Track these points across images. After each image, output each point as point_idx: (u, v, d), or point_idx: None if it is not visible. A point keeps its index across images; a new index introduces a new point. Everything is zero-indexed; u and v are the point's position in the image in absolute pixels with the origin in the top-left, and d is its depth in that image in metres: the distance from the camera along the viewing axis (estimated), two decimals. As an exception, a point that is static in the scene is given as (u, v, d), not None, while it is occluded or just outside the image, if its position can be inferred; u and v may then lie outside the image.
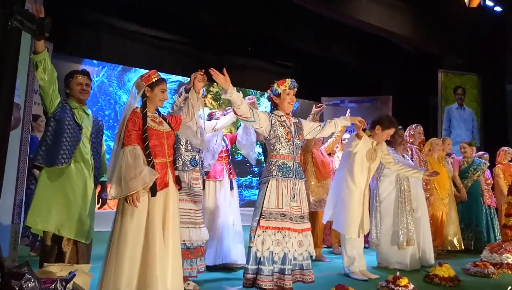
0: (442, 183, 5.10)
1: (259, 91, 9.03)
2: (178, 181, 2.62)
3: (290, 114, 3.15)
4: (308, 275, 2.98)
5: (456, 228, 5.27)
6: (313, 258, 3.16)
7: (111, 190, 2.36)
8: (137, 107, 2.56)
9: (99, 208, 2.99)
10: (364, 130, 3.41)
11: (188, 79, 2.93)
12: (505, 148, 6.15)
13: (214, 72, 2.71)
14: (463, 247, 5.23)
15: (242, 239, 4.06)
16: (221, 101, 8.23)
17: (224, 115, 3.90)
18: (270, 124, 2.99)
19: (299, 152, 3.12)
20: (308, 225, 3.04)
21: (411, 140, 4.96)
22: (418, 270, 4.06)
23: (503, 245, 4.46)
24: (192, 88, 2.80)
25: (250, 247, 2.87)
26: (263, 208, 2.87)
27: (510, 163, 6.10)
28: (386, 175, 4.25)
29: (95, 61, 7.23)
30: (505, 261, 4.27)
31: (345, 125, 3.60)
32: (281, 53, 8.97)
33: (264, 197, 2.89)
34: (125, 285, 2.28)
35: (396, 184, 4.23)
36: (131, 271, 2.31)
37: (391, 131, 3.87)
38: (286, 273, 2.85)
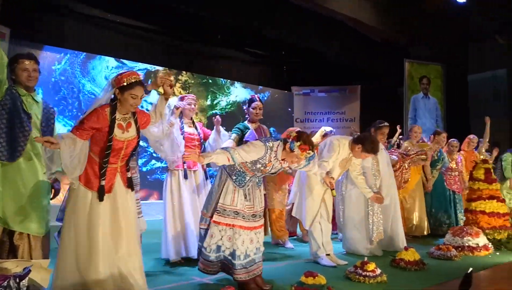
0: (408, 185, 5.26)
1: (229, 80, 8.92)
2: (130, 184, 2.57)
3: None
4: (259, 267, 3.06)
5: (423, 214, 5.41)
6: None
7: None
8: (108, 105, 2.44)
9: (51, 199, 2.84)
10: (332, 189, 3.68)
11: (156, 67, 2.84)
12: (471, 136, 6.36)
13: (185, 156, 2.85)
14: (428, 232, 5.38)
15: None
16: (189, 91, 8.06)
17: (195, 103, 3.88)
18: (261, 157, 2.91)
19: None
20: (260, 222, 3.11)
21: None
22: (385, 255, 4.15)
23: (465, 229, 4.63)
24: (161, 95, 2.74)
25: (200, 229, 3.04)
26: (219, 203, 2.96)
27: (474, 150, 6.33)
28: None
29: (56, 48, 6.87)
30: (466, 244, 4.43)
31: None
32: (251, 41, 8.86)
33: (221, 193, 2.99)
34: (60, 278, 2.38)
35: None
36: (71, 266, 2.39)
37: (369, 156, 3.98)
38: (236, 268, 2.90)
